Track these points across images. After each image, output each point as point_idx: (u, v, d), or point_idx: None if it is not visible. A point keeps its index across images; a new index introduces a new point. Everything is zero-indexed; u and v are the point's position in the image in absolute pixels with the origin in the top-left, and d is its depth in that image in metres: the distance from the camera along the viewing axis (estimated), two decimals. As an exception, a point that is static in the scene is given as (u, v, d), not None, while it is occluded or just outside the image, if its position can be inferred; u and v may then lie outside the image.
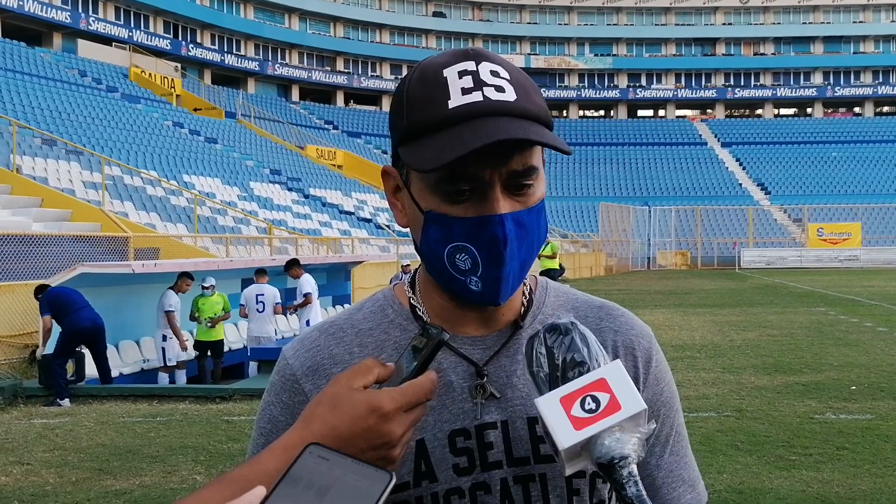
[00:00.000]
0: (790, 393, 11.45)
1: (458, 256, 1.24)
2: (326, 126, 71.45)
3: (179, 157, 37.94)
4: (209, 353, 15.34)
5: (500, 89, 1.21)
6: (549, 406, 1.11)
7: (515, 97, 1.21)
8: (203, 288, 15.22)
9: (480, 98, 1.20)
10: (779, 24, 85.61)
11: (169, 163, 35.94)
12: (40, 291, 12.90)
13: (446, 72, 1.22)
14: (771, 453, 8.31)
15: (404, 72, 64.60)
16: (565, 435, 1.09)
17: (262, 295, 15.74)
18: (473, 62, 1.23)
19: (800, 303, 26.48)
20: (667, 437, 1.39)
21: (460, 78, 1.21)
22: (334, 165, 55.19)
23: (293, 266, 16.40)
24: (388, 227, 41.39)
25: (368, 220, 42.75)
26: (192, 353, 15.37)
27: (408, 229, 1.34)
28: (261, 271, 16.23)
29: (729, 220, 65.84)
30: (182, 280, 14.66)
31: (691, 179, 73.91)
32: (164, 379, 14.57)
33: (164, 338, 14.62)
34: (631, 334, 1.41)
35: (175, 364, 14.75)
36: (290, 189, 42.29)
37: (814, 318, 21.41)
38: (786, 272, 49.64)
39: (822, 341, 16.64)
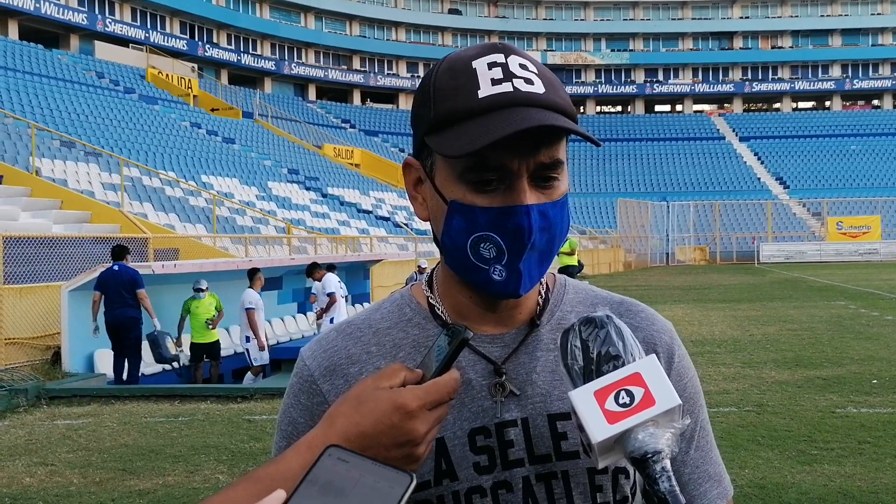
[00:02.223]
0: (811, 387, 11.41)
1: (482, 245, 1.24)
2: (343, 125, 71.54)
3: (197, 157, 38.05)
4: (205, 357, 15.04)
5: (529, 81, 1.22)
6: (583, 399, 1.11)
7: (544, 90, 1.23)
8: (196, 290, 14.87)
9: (511, 89, 1.21)
10: (796, 17, 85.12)
11: (187, 163, 36.06)
12: (117, 257, 13.43)
13: (475, 63, 1.24)
14: (792, 448, 8.28)
15: (421, 70, 64.00)
16: (599, 429, 1.09)
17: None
18: (502, 55, 1.25)
19: (820, 297, 26.35)
20: (692, 432, 1.39)
21: (490, 69, 1.23)
22: (352, 164, 55.23)
23: (315, 269, 16.45)
24: (406, 225, 41.41)
25: (386, 219, 42.78)
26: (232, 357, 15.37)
27: (427, 223, 1.34)
28: (330, 266, 16.77)
29: (748, 214, 65.54)
30: (257, 275, 14.87)
31: (709, 174, 73.61)
32: (250, 381, 14.57)
33: (248, 339, 14.67)
34: (652, 330, 1.40)
35: (262, 365, 14.75)
36: (308, 188, 42.35)
37: (834, 311, 21.31)
38: (805, 266, 49.39)
39: (842, 335, 16.56)
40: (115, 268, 13.38)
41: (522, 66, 1.24)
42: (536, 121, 1.18)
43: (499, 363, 1.32)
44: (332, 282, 16.10)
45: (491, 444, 1.29)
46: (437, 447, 1.28)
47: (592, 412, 1.09)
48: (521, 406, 1.30)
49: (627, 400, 1.09)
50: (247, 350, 14.75)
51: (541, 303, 1.38)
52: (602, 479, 1.30)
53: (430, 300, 1.37)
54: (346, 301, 16.41)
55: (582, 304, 1.40)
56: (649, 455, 1.08)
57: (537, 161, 1.22)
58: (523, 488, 1.29)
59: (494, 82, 1.22)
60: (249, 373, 14.90)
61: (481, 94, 1.21)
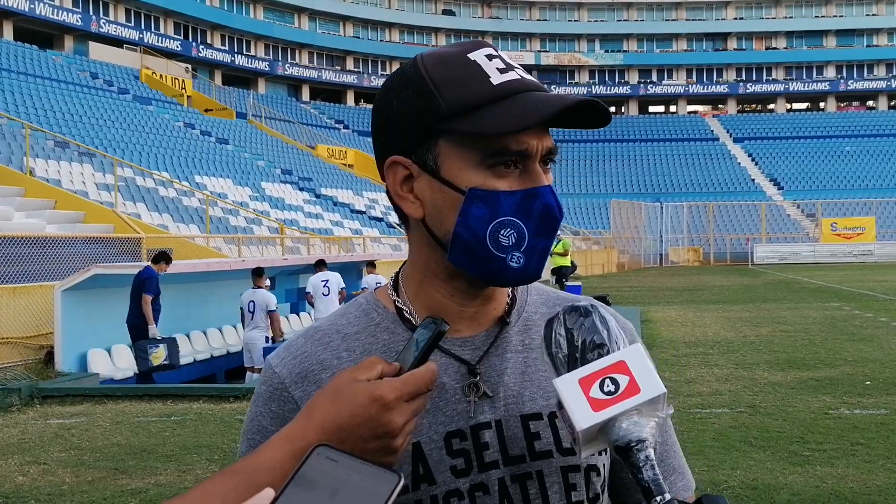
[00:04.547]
0: (804, 388, 11.42)
1: (502, 233, 1.23)
2: (337, 125, 71.54)
3: (191, 157, 38.03)
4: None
5: (525, 72, 1.27)
6: (568, 387, 1.10)
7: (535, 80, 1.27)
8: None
9: (518, 77, 1.25)
10: (791, 17, 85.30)
11: (181, 164, 36.03)
12: (153, 261, 13.67)
13: (472, 56, 1.26)
14: (785, 449, 8.29)
15: (415, 70, 65.07)
16: (583, 416, 1.08)
17: (328, 281, 16.59)
18: (492, 49, 1.28)
19: (813, 298, 26.39)
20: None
21: (490, 60, 1.25)
22: (345, 165, 55.24)
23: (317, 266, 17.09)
24: (398, 225, 41.36)
25: (380, 219, 42.80)
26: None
27: (416, 218, 1.31)
28: (321, 262, 17.23)
29: (741, 215, 65.65)
30: (264, 275, 15.18)
31: (703, 175, 73.73)
32: (251, 378, 14.83)
33: (267, 339, 14.91)
34: None
35: None
36: (301, 189, 42.35)
37: (828, 313, 21.34)
38: (799, 268, 49.48)
39: (836, 337, 16.59)
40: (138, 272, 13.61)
41: (510, 58, 1.28)
42: (581, 98, 1.20)
43: (472, 363, 1.32)
44: (310, 280, 16.45)
45: (467, 447, 1.29)
46: (413, 451, 1.27)
47: (577, 399, 1.09)
48: (494, 408, 1.30)
49: (612, 388, 1.09)
50: (263, 350, 14.88)
51: (509, 302, 1.38)
52: (575, 478, 1.31)
53: (398, 304, 1.36)
54: (343, 298, 16.68)
55: (545, 306, 1.41)
56: (633, 444, 1.08)
57: (548, 145, 1.26)
58: (499, 490, 1.28)
59: (501, 71, 1.24)
60: (255, 373, 14.95)
61: (494, 81, 1.23)
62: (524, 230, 1.23)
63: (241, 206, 32.20)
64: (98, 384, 13.02)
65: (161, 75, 55.23)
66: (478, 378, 1.31)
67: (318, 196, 42.41)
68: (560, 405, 1.12)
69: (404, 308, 1.35)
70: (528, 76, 1.26)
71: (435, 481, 1.27)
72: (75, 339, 13.73)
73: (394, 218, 43.28)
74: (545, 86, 1.27)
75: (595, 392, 1.09)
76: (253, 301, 14.97)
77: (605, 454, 1.35)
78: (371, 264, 18.47)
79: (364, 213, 42.97)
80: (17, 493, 7.54)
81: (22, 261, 15.15)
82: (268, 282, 15.73)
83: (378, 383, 1.08)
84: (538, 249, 1.25)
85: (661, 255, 60.08)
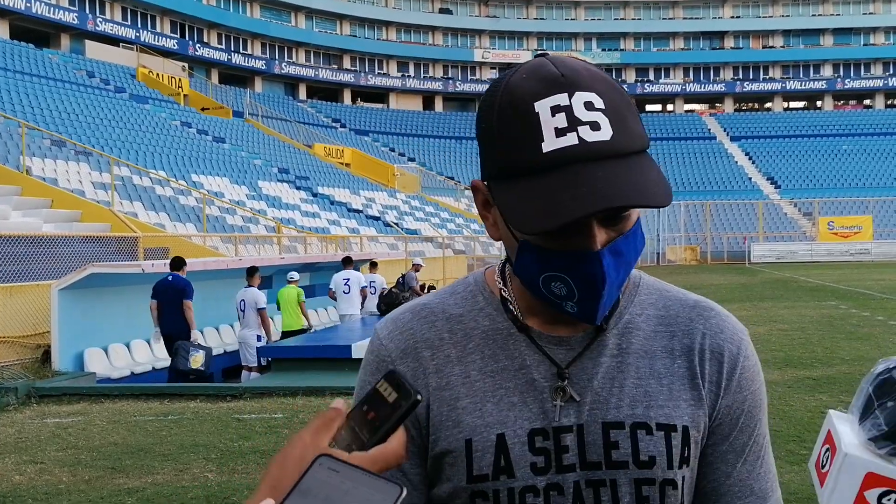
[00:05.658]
0: (801, 387, 11.42)
1: (553, 284, 1.24)
2: (334, 124, 71.47)
3: (188, 156, 37.98)
4: None
5: (595, 126, 1.16)
6: (852, 467, 0.93)
7: (612, 133, 1.16)
8: (289, 281, 16.43)
9: (575, 141, 1.15)
10: (788, 16, 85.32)
11: (177, 162, 35.99)
12: (173, 267, 13.83)
13: (538, 106, 1.17)
14: (782, 448, 8.29)
15: (411, 69, 63.66)
16: (838, 501, 0.93)
17: (349, 280, 17.57)
18: (566, 94, 1.17)
19: (810, 297, 26.41)
20: (743, 445, 1.37)
21: (553, 115, 1.17)
22: (342, 163, 55.19)
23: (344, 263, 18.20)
24: (396, 224, 41.38)
25: (377, 218, 42.75)
26: None
27: (495, 241, 1.35)
28: (347, 259, 18.39)
29: (739, 214, 65.64)
30: (257, 273, 15.35)
31: (700, 174, 73.74)
32: (248, 377, 14.91)
33: (259, 338, 15.02)
34: (720, 338, 1.38)
35: (267, 364, 15.00)
36: (298, 188, 42.31)
37: (825, 312, 21.35)
38: (796, 266, 49.49)
39: (832, 335, 16.59)
40: (169, 278, 13.62)
41: (588, 106, 1.17)
42: (601, 197, 1.14)
43: (562, 366, 1.33)
44: (334, 277, 17.66)
45: (548, 447, 1.30)
46: (497, 442, 1.30)
47: (846, 486, 0.95)
48: (579, 412, 1.31)
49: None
50: (257, 349, 14.88)
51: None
52: (649, 491, 1.31)
53: (503, 293, 1.38)
54: (363, 295, 17.98)
55: (653, 307, 1.40)
56: None
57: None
58: (573, 493, 1.30)
59: (559, 132, 1.16)
60: (252, 372, 14.93)
61: (545, 147, 1.16)
62: (573, 287, 1.23)
63: (238, 204, 32.18)
64: (95, 383, 13.03)
65: (158, 74, 55.18)
66: (565, 382, 1.32)
67: (314, 195, 42.38)
68: (832, 466, 0.96)
69: (509, 300, 1.37)
70: (593, 136, 1.15)
71: (515, 475, 1.30)
72: (72, 338, 13.73)
73: (391, 217, 43.27)
74: (612, 143, 1.16)
75: (871, 495, 0.92)
76: (244, 300, 14.97)
77: (687, 467, 1.32)
78: (373, 264, 18.85)
79: (361, 211, 42.93)
80: (14, 493, 7.53)
81: (18, 260, 15.13)
82: (300, 276, 16.58)
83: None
84: (590, 301, 1.24)
85: (658, 253, 60.04)
